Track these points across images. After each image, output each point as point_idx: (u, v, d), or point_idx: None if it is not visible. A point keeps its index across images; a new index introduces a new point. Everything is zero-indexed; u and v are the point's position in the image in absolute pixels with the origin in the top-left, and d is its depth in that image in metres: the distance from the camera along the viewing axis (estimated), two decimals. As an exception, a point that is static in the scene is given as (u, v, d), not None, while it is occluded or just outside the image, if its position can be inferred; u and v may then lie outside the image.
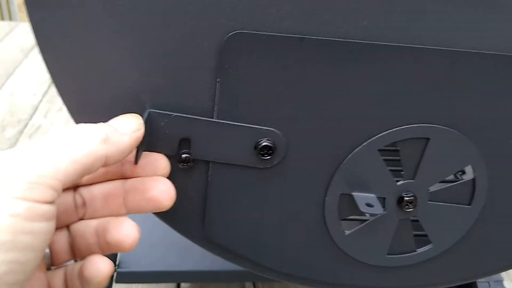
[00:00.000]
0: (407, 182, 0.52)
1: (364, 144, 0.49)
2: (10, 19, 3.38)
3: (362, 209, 0.49)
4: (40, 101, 1.88)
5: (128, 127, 0.43)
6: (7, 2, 3.35)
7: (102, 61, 0.45)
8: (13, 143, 1.63)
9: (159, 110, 0.46)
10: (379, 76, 0.47)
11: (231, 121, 0.47)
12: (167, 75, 0.46)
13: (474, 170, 0.53)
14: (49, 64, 0.46)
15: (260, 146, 0.47)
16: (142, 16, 0.44)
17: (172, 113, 0.46)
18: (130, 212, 0.46)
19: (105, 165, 0.41)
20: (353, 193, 0.51)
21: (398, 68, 0.47)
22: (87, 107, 0.47)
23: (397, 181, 0.52)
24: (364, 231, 0.53)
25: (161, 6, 0.43)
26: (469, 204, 0.54)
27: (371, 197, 0.51)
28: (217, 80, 0.45)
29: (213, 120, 0.47)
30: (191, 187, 0.50)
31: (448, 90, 0.48)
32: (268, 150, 0.47)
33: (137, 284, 1.13)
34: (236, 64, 0.45)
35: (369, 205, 0.50)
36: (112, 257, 0.98)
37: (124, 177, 0.47)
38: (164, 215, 0.51)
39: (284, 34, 0.44)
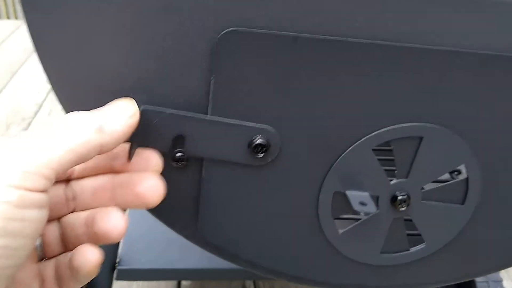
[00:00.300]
0: (401, 181, 0.52)
1: (357, 142, 0.50)
2: (16, 17, 3.39)
3: (355, 208, 0.50)
4: (44, 99, 1.89)
5: (123, 113, 0.43)
6: (13, 1, 3.36)
7: (97, 59, 0.46)
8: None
9: (154, 106, 0.46)
10: (373, 75, 0.47)
11: (225, 118, 0.47)
12: (161, 72, 0.46)
13: (467, 170, 0.53)
14: (44, 62, 0.46)
15: (254, 144, 0.47)
16: (136, 14, 0.44)
17: (166, 110, 0.46)
18: (118, 207, 0.46)
19: (100, 153, 0.42)
20: (347, 192, 0.51)
21: (391, 67, 0.47)
22: (83, 105, 0.47)
23: (391, 179, 0.52)
24: (358, 230, 0.54)
25: (155, 3, 0.44)
26: (463, 204, 0.54)
27: (364, 195, 0.52)
28: (211, 77, 0.46)
29: (207, 117, 0.47)
30: (185, 186, 0.51)
31: (441, 89, 0.48)
32: (262, 148, 0.48)
33: (137, 281, 1.13)
34: (230, 62, 0.45)
35: (362, 203, 0.50)
36: (113, 255, 0.99)
37: (114, 172, 0.47)
38: (159, 213, 0.52)
39: (277, 32, 0.45)
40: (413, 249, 0.56)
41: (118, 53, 0.45)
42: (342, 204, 0.52)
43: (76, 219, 0.46)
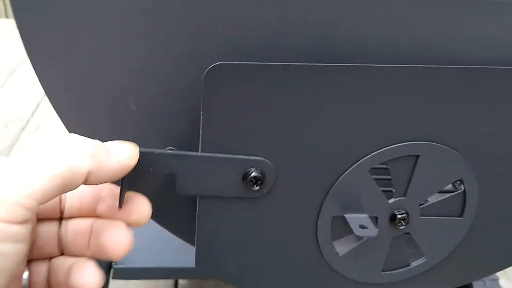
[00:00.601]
0: (399, 199, 0.47)
1: (354, 165, 0.44)
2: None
3: (356, 233, 0.44)
4: (42, 98, 1.83)
5: (122, 151, 0.37)
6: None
7: (87, 64, 0.41)
8: (15, 140, 1.57)
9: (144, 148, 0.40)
10: (366, 97, 0.42)
11: (217, 152, 0.41)
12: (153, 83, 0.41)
13: (464, 183, 0.48)
14: (34, 64, 0.41)
15: (249, 177, 0.42)
16: (124, 21, 0.39)
17: (155, 151, 0.40)
18: (92, 255, 0.40)
19: (86, 182, 0.35)
20: (346, 215, 0.46)
21: (383, 89, 0.42)
22: (74, 110, 0.43)
23: (389, 198, 0.47)
24: (358, 251, 0.49)
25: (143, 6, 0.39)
26: (461, 216, 0.50)
27: (363, 217, 0.46)
28: (201, 113, 0.40)
29: (198, 154, 0.41)
30: None
31: (434, 106, 0.44)
32: (257, 180, 0.42)
33: (134, 280, 1.07)
34: (219, 96, 0.40)
35: (362, 226, 0.45)
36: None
37: (98, 216, 0.41)
38: (158, 218, 0.47)
39: (267, 63, 0.39)
40: (413, 264, 0.51)
41: (108, 60, 0.41)
42: (341, 226, 0.47)
43: (61, 266, 0.40)
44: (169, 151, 0.40)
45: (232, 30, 0.40)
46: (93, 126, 0.43)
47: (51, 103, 0.42)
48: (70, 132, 0.44)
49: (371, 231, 0.45)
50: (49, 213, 0.40)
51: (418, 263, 0.51)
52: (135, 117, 0.43)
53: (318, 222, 0.46)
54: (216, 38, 0.40)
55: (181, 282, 1.10)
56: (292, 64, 0.39)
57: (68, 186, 0.34)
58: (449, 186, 0.55)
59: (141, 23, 0.39)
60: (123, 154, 0.37)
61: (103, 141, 0.38)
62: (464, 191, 0.49)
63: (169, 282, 1.09)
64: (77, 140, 0.36)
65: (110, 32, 0.40)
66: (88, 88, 0.42)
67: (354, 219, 0.46)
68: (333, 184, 0.45)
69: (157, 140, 0.44)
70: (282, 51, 0.41)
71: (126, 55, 0.41)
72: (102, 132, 0.43)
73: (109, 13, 0.39)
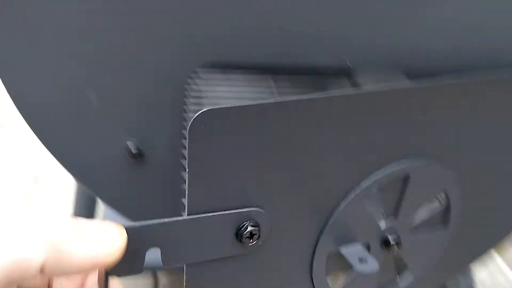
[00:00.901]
0: (390, 221, 0.40)
1: (348, 197, 0.37)
2: None
3: (358, 269, 0.37)
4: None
5: (99, 244, 0.27)
6: None
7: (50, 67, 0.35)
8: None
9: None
10: (357, 126, 0.35)
11: (206, 211, 0.32)
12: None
13: (449, 195, 0.42)
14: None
15: (244, 232, 0.33)
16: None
17: (135, 224, 0.29)
18: None
19: (43, 274, 0.25)
20: (342, 250, 0.38)
21: (374, 114, 0.35)
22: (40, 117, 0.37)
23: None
24: (351, 282, 0.41)
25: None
26: (445, 227, 0.44)
27: (359, 249, 0.39)
28: (186, 170, 0.30)
29: (185, 219, 0.31)
30: None
31: (422, 124, 0.37)
32: (253, 235, 0.33)
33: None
34: (209, 147, 0.30)
35: (362, 260, 0.37)
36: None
37: None
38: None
39: (258, 103, 0.31)
40: (401, 285, 0.45)
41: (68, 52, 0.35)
42: (334, 260, 0.40)
43: None
44: (148, 223, 0.30)
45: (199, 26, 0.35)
46: (54, 121, 0.37)
47: (13, 101, 0.37)
48: (33, 130, 0.37)
49: (372, 265, 0.37)
50: None
51: (405, 280, 0.45)
52: (97, 110, 0.37)
53: (314, 261, 0.38)
54: (182, 34, 0.35)
55: (163, 281, 1.01)
56: (281, 101, 0.31)
57: (17, 280, 0.24)
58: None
59: (101, 17, 0.34)
60: (100, 247, 0.26)
61: (70, 139, 0.37)
62: (449, 204, 0.43)
63: (149, 282, 1.00)
64: (36, 220, 0.25)
65: (69, 25, 0.34)
66: (47, 81, 0.36)
67: (351, 253, 0.38)
68: (328, 220, 0.37)
69: (121, 131, 0.38)
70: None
71: (87, 47, 0.35)
72: (64, 126, 0.38)
73: (67, 7, 0.33)
